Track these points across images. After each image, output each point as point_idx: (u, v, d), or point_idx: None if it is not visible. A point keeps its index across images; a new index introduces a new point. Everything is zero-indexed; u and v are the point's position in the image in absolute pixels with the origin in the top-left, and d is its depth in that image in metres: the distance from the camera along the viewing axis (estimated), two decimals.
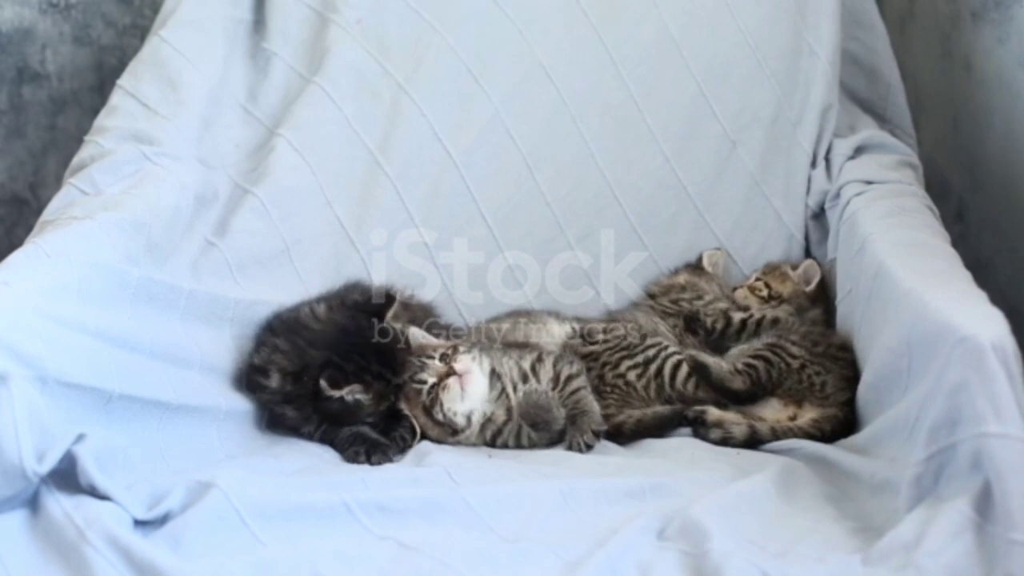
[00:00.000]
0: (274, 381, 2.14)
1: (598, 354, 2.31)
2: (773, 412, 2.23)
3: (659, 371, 2.26)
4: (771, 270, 2.52)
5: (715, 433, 2.17)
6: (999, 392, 1.62)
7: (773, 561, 1.63)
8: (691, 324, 2.41)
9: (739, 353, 2.30)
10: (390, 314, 2.17)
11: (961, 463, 1.63)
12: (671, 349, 2.29)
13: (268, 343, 2.19)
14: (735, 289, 2.52)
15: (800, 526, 1.78)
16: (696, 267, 2.54)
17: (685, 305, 2.43)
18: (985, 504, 1.60)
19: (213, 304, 2.21)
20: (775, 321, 2.38)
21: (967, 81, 2.62)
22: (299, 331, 2.17)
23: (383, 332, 2.16)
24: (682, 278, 2.52)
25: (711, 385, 2.24)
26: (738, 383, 2.23)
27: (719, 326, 2.38)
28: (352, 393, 2.10)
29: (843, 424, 2.16)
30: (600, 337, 2.33)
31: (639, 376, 2.26)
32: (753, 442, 2.15)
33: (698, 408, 2.21)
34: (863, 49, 2.69)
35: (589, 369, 2.30)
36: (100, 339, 1.87)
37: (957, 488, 1.63)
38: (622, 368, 2.27)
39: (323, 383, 2.08)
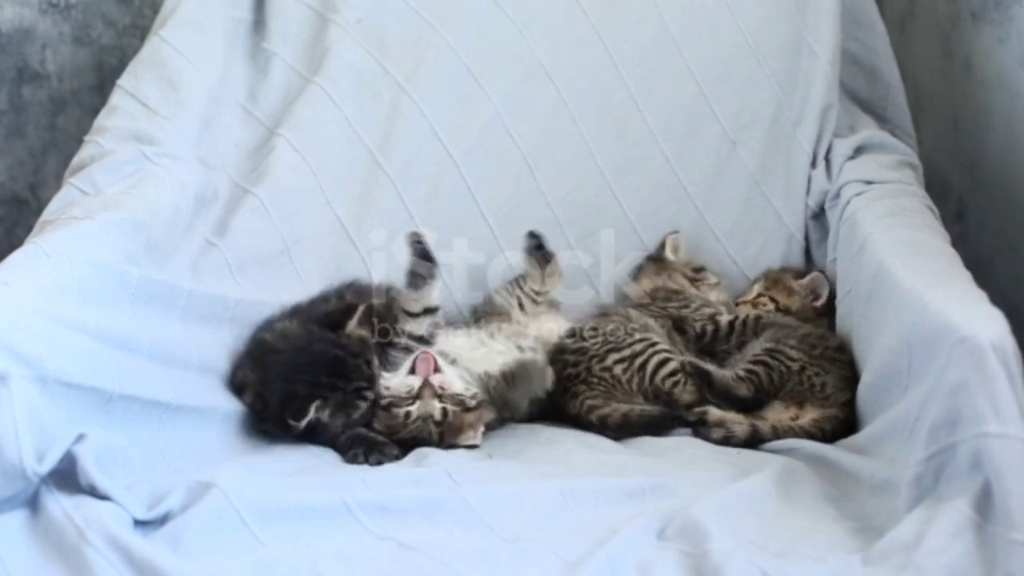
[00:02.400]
0: (248, 400, 2.15)
1: (587, 348, 2.31)
2: (775, 413, 2.23)
3: (643, 365, 2.26)
4: (773, 283, 2.49)
5: (717, 433, 2.17)
6: (999, 392, 1.62)
7: (773, 561, 1.63)
8: (680, 324, 2.41)
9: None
10: (352, 324, 2.15)
11: (961, 463, 1.63)
12: (660, 346, 2.29)
13: (244, 364, 2.19)
14: (737, 305, 2.51)
15: (800, 526, 1.78)
16: (657, 259, 2.52)
17: (672, 311, 2.42)
18: (985, 504, 1.60)
19: (213, 304, 2.21)
20: (758, 319, 2.38)
21: (967, 81, 2.62)
22: (263, 358, 2.16)
23: (338, 344, 2.14)
24: (646, 285, 2.49)
25: (715, 393, 2.23)
26: (743, 390, 2.23)
27: (709, 329, 2.38)
28: (316, 412, 2.09)
29: (843, 424, 2.16)
30: (594, 333, 2.33)
31: (624, 370, 2.26)
32: (755, 441, 2.15)
33: (699, 410, 2.21)
34: (863, 49, 2.69)
35: (577, 363, 2.30)
36: (100, 339, 1.86)
37: (957, 488, 1.63)
38: (608, 361, 2.27)
39: (290, 420, 2.08)
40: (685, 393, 2.24)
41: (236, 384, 2.17)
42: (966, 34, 2.61)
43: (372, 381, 2.15)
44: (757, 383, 2.23)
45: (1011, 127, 2.46)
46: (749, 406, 2.22)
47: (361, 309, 2.18)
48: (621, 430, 2.21)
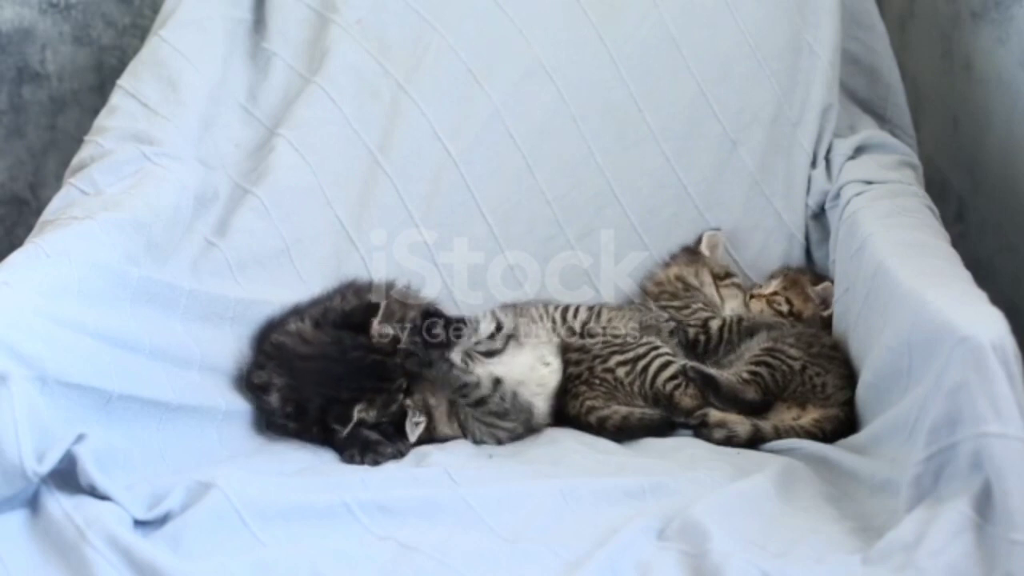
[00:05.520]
0: (275, 402, 2.14)
1: (589, 347, 2.31)
2: (777, 413, 2.22)
3: (645, 368, 2.26)
4: (792, 283, 2.47)
5: (719, 433, 2.16)
6: (999, 392, 1.62)
7: (773, 561, 1.63)
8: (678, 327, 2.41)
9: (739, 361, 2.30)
10: (375, 325, 2.15)
11: (961, 463, 1.63)
12: (663, 350, 2.29)
13: (266, 366, 2.17)
14: (751, 298, 2.50)
15: (800, 526, 1.78)
16: (693, 251, 2.53)
17: (672, 313, 2.42)
18: (985, 504, 1.60)
19: (213, 304, 2.21)
20: (740, 321, 2.38)
21: (967, 81, 2.62)
22: (291, 361, 2.15)
23: (369, 347, 2.13)
24: (674, 271, 2.50)
25: (721, 397, 2.21)
26: (751, 393, 2.22)
27: (701, 339, 2.38)
28: (359, 414, 2.10)
29: (843, 424, 2.16)
30: (599, 333, 2.33)
31: (627, 372, 2.26)
32: (756, 441, 2.15)
33: (699, 413, 2.20)
34: (863, 49, 2.69)
35: (579, 362, 2.30)
36: (100, 339, 1.87)
37: (957, 488, 1.63)
38: (611, 363, 2.27)
39: (335, 425, 2.09)
40: (686, 397, 2.24)
41: (255, 384, 2.16)
42: (966, 34, 2.61)
43: (408, 375, 2.15)
44: (763, 385, 2.22)
45: (1011, 127, 2.46)
46: (758, 409, 2.21)
47: (383, 308, 2.17)
48: (620, 432, 2.21)
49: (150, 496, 1.75)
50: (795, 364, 2.23)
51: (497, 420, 2.19)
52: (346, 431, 2.09)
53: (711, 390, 2.22)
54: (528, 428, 2.23)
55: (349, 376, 2.12)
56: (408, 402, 2.16)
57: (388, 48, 2.56)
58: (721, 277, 2.51)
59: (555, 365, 2.30)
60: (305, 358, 2.15)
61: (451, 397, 2.18)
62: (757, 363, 2.25)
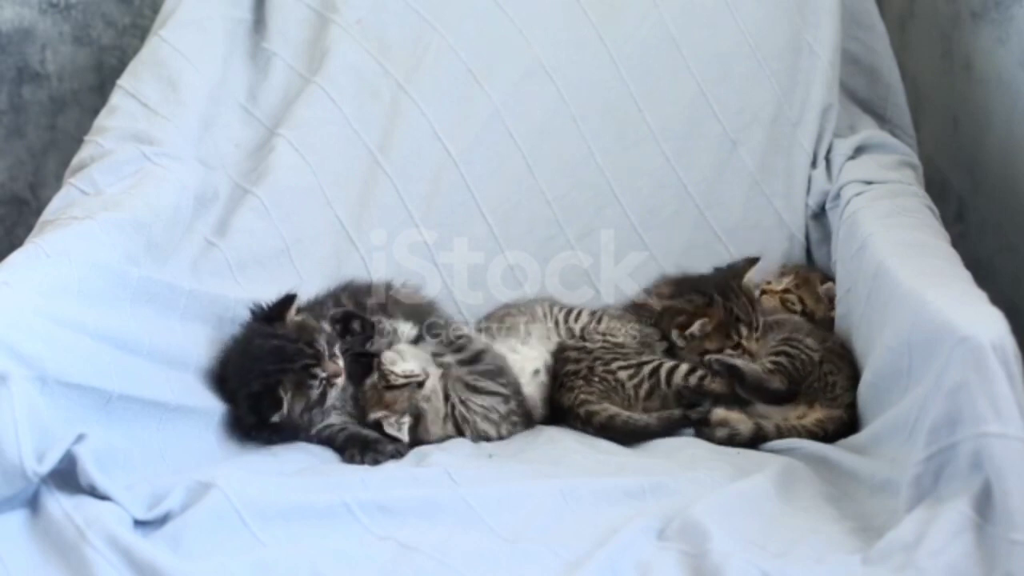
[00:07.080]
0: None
1: (590, 349, 2.30)
2: (781, 411, 2.21)
3: (654, 371, 2.25)
4: (804, 282, 2.46)
5: (721, 432, 2.16)
6: (999, 392, 1.62)
7: (773, 561, 1.63)
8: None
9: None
10: (290, 315, 2.16)
11: (961, 463, 1.63)
12: (666, 359, 2.29)
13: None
14: (761, 293, 2.48)
15: (800, 526, 1.78)
16: (640, 304, 2.46)
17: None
18: (985, 504, 1.60)
19: (213, 304, 2.21)
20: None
21: (967, 81, 2.62)
22: (223, 371, 2.15)
23: (275, 334, 2.13)
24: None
25: (747, 388, 2.20)
26: (776, 382, 2.21)
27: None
28: (286, 398, 2.10)
29: (845, 425, 2.16)
30: (598, 339, 2.33)
31: (631, 376, 2.26)
32: (759, 440, 2.14)
33: (700, 409, 2.20)
34: (863, 49, 2.69)
35: (579, 360, 2.30)
36: (100, 339, 1.87)
37: (957, 488, 1.63)
38: (613, 366, 2.27)
39: (273, 419, 2.09)
40: (714, 384, 2.22)
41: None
42: (966, 34, 2.61)
43: (319, 358, 2.13)
44: (787, 373, 2.21)
45: (1011, 127, 2.46)
46: (783, 399, 2.20)
47: (296, 301, 2.18)
48: (603, 431, 2.20)
49: (150, 496, 1.75)
50: (814, 355, 2.22)
51: (490, 383, 2.20)
52: (283, 412, 2.08)
53: (736, 380, 2.21)
54: (521, 407, 2.24)
55: (254, 363, 2.11)
56: (381, 412, 2.16)
57: (388, 48, 2.56)
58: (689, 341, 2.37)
59: (527, 353, 2.32)
60: (227, 363, 2.15)
61: (445, 356, 2.20)
62: (777, 353, 2.24)
